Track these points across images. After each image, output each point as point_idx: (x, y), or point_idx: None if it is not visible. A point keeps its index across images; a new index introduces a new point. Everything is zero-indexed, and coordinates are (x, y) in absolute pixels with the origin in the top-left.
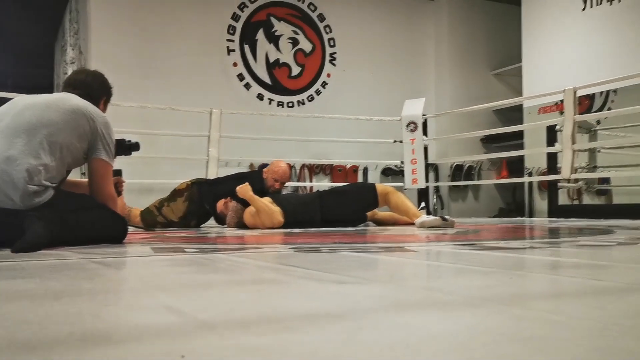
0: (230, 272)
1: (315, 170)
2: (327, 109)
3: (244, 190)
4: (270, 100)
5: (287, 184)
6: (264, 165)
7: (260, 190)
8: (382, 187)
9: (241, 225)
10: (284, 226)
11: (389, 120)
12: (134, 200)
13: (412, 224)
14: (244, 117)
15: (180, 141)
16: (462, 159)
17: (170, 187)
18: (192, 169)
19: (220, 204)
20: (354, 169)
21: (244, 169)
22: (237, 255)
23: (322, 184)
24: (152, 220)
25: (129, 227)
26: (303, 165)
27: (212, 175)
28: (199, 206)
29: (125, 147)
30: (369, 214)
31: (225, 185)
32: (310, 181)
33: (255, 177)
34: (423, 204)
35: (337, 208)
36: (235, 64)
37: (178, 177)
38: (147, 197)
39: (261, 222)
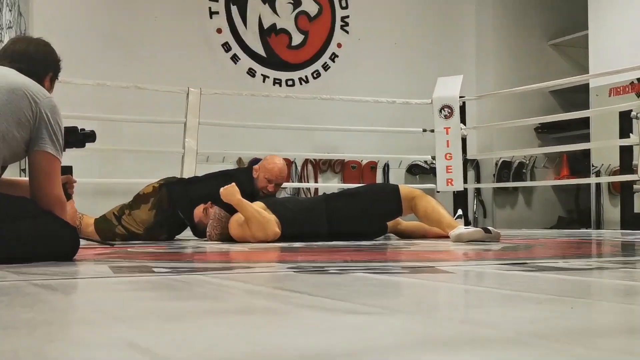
0: (212, 299)
1: (321, 167)
2: (338, 89)
3: (230, 192)
4: (265, 77)
5: (284, 185)
6: (256, 161)
7: (250, 193)
8: (408, 189)
9: (226, 237)
10: (280, 239)
11: (417, 104)
12: (87, 206)
13: (446, 236)
14: (230, 99)
15: (149, 130)
16: (511, 154)
17: (135, 188)
18: (163, 166)
19: (198, 211)
20: (372, 166)
21: (230, 165)
22: (221, 277)
23: (331, 185)
24: (109, 231)
25: (81, 239)
26: (306, 161)
27: (188, 173)
28: (170, 214)
29: (78, 138)
30: (390, 223)
31: (205, 187)
32: (315, 182)
33: (244, 176)
34: (460, 212)
35: (349, 216)
36: (219, 31)
37: (146, 176)
38: (104, 202)
39: (251, 234)
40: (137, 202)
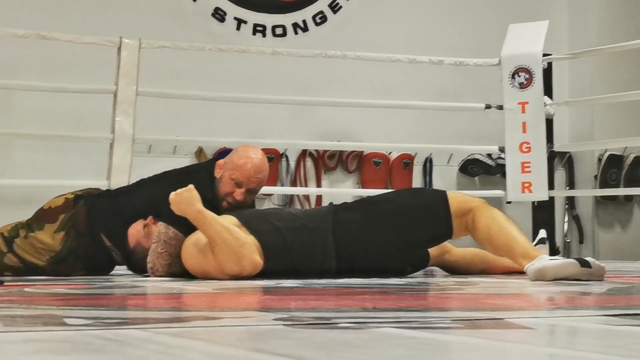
0: None
1: (327, 163)
2: (353, 42)
3: (184, 199)
4: (240, 22)
5: (264, 190)
6: (225, 154)
7: (209, 201)
8: (462, 197)
9: (178, 270)
10: (262, 274)
11: (477, 66)
12: None
13: (521, 272)
14: (185, 57)
15: (58, 103)
16: (623, 144)
17: (34, 195)
18: (80, 160)
19: (135, 230)
20: (405, 162)
21: (185, 160)
22: (170, 333)
23: (341, 190)
24: None
25: None
26: (303, 154)
27: (120, 169)
28: (89, 241)
29: None
30: (433, 252)
31: (144, 196)
32: (318, 186)
33: (202, 175)
34: (543, 234)
35: (368, 239)
36: None
37: (52, 176)
38: None
39: (218, 265)
40: (39, 220)
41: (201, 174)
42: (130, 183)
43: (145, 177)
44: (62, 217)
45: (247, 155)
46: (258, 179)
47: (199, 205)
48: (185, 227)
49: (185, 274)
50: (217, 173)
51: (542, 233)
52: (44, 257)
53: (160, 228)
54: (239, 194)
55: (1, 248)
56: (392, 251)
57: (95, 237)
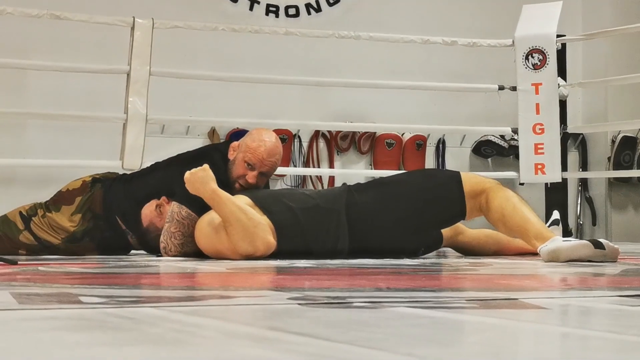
0: (172, 345)
1: (340, 144)
2: (367, 23)
3: (199, 179)
4: (253, 2)
5: (279, 171)
6: (238, 136)
7: (223, 183)
8: (475, 178)
9: (191, 250)
10: (274, 255)
11: (490, 46)
12: None
13: (535, 253)
14: (198, 37)
15: (71, 83)
16: (637, 126)
17: (49, 175)
18: (93, 140)
19: (148, 210)
20: (418, 143)
21: (199, 141)
22: (184, 311)
23: (354, 171)
24: (8, 238)
25: None
26: (316, 135)
27: (134, 149)
28: (105, 224)
29: None
30: (446, 233)
31: (157, 177)
32: (330, 167)
33: (217, 156)
34: (556, 215)
35: (381, 220)
36: None
37: (66, 156)
38: (3, 195)
39: (231, 245)
40: (57, 202)
41: (215, 155)
42: (143, 165)
43: (160, 160)
44: (79, 199)
45: (260, 138)
46: (271, 162)
47: (214, 184)
48: (199, 206)
49: (198, 254)
50: (231, 155)
51: (556, 214)
52: (60, 236)
53: (173, 207)
54: (251, 177)
55: (18, 225)
56: (405, 232)
57: (111, 220)
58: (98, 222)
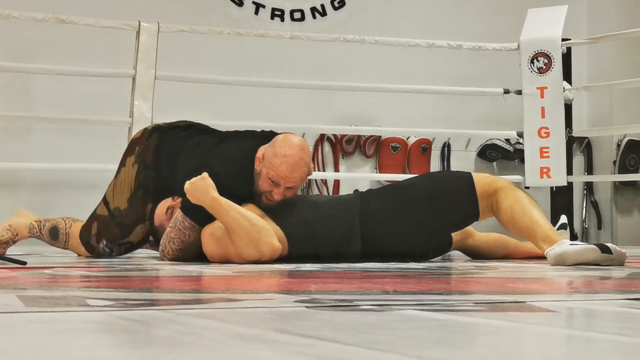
0: (179, 346)
1: (345, 148)
2: (372, 27)
3: (199, 188)
4: (258, 5)
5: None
6: (270, 136)
7: (248, 194)
8: (487, 179)
9: (188, 257)
10: (284, 259)
11: (495, 50)
12: None
13: (542, 257)
14: (204, 41)
15: (77, 87)
16: None
17: (55, 178)
18: (98, 143)
19: (161, 210)
20: (423, 147)
21: None
22: (192, 314)
23: (359, 175)
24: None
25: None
26: (321, 139)
27: None
28: (156, 174)
29: None
30: (456, 235)
31: (196, 158)
32: (336, 170)
33: (247, 163)
34: (564, 219)
35: (396, 227)
36: None
37: (72, 159)
38: (7, 197)
39: (237, 251)
40: (124, 156)
41: (244, 160)
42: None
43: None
44: (137, 148)
45: (283, 153)
46: (295, 178)
47: (214, 192)
48: (202, 217)
49: (198, 259)
50: (257, 166)
51: (563, 218)
52: (125, 196)
53: (177, 215)
54: (277, 194)
55: (107, 215)
56: (419, 236)
57: (161, 173)
58: (150, 173)
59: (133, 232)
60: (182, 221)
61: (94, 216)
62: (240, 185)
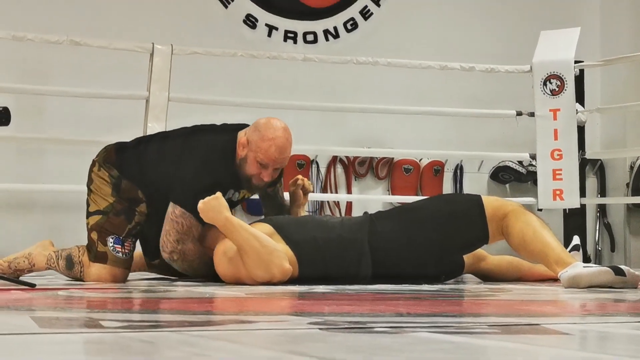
0: None
1: (357, 170)
2: (384, 49)
3: (213, 207)
4: (271, 28)
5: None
6: (240, 127)
7: (233, 183)
8: (497, 202)
9: (189, 248)
10: (295, 281)
11: (508, 72)
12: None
13: (555, 279)
14: (217, 63)
15: (91, 109)
16: None
17: (67, 200)
18: None
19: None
20: (436, 169)
21: None
22: (204, 335)
23: (372, 197)
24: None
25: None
26: (334, 160)
27: None
28: (129, 165)
29: None
30: (468, 258)
31: (165, 165)
32: (348, 192)
33: (229, 153)
34: (577, 240)
35: (405, 248)
36: None
37: (85, 182)
38: (20, 220)
39: (249, 272)
40: (89, 176)
41: (223, 158)
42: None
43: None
44: (95, 161)
45: (270, 137)
46: (283, 158)
47: (227, 212)
48: (191, 203)
49: (207, 274)
50: (241, 151)
51: (576, 239)
52: (107, 192)
53: (168, 208)
54: (266, 175)
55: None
56: (428, 258)
57: (129, 162)
58: (118, 163)
59: (136, 213)
60: (172, 211)
61: (91, 229)
62: (224, 176)
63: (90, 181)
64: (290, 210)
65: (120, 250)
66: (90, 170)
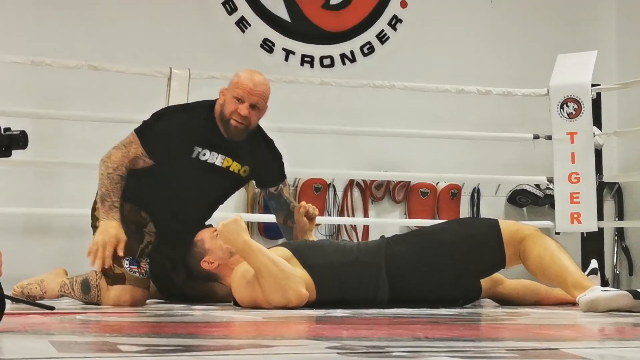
0: None
1: (374, 194)
2: (401, 72)
3: (232, 230)
4: (288, 52)
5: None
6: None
7: (206, 137)
8: (514, 226)
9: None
10: (312, 305)
11: (524, 96)
12: (11, 249)
13: (573, 303)
14: None
15: (109, 132)
16: None
17: (87, 224)
18: None
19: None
20: (453, 192)
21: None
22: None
23: (389, 220)
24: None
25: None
26: (350, 184)
27: None
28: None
29: (2, 142)
30: (485, 283)
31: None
32: (365, 216)
33: (198, 105)
34: (595, 264)
35: (421, 272)
36: None
37: None
38: (37, 244)
39: (265, 296)
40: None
41: (200, 107)
42: None
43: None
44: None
45: (244, 74)
46: (259, 92)
47: (246, 235)
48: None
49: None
50: (221, 99)
51: (594, 263)
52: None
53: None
54: (242, 109)
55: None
56: (445, 282)
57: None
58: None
59: (145, 234)
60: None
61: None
62: (197, 127)
63: (94, 220)
64: (297, 237)
65: (136, 270)
66: (93, 210)
